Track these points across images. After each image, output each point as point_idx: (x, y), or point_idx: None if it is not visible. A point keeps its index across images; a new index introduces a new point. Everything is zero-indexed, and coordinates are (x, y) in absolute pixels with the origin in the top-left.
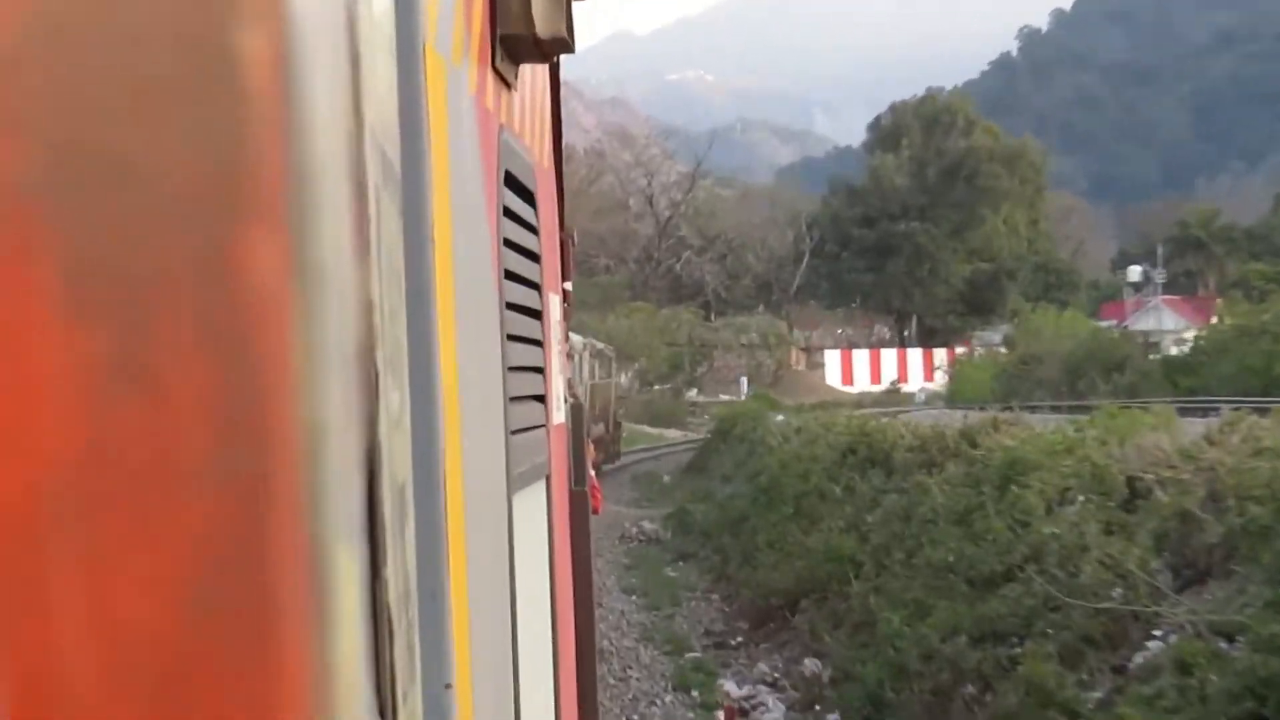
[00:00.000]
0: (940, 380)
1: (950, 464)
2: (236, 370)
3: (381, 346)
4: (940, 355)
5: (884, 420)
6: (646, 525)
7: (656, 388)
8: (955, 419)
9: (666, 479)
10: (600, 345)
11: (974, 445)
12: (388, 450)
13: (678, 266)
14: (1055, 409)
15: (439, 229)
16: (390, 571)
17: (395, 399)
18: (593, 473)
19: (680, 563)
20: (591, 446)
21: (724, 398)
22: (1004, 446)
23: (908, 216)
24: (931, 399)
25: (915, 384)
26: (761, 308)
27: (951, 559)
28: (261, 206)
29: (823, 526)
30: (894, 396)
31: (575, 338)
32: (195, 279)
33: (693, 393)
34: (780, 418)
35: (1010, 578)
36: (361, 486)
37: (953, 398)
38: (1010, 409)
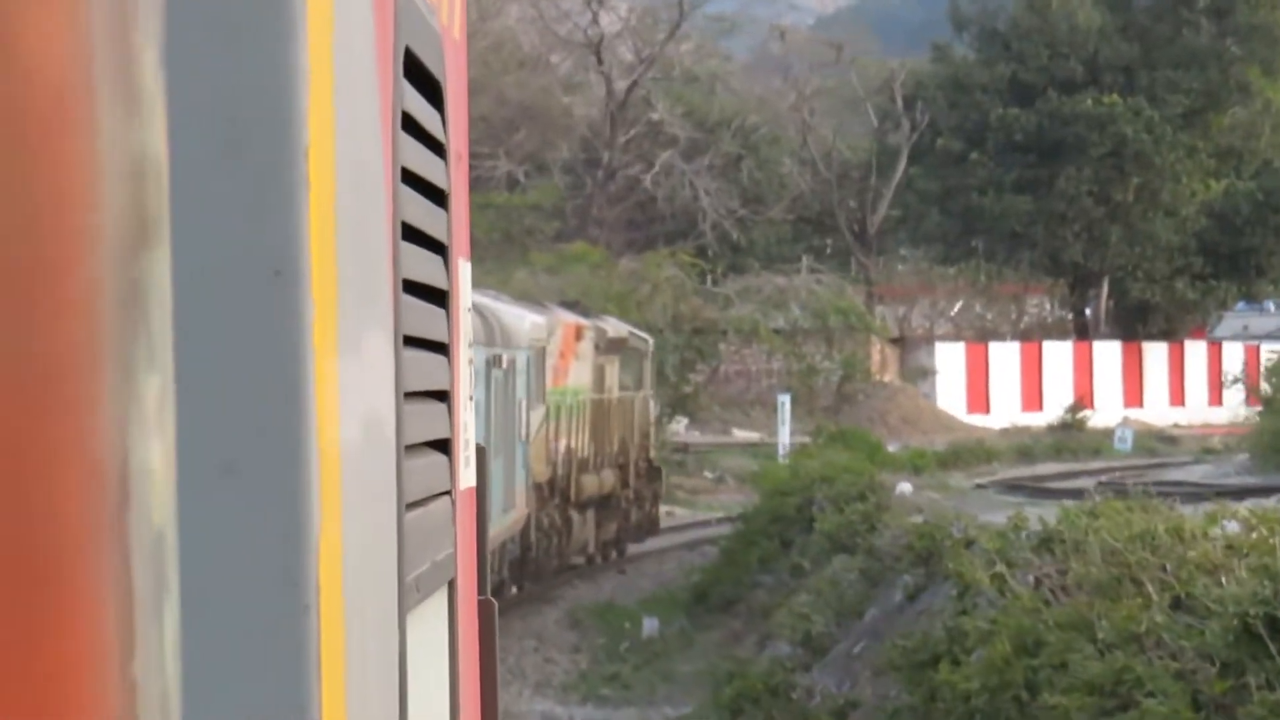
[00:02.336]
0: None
1: None
2: None
3: (129, 284)
4: (1159, 353)
5: None
6: None
7: None
8: None
9: (650, 625)
10: (616, 327)
11: None
12: (139, 467)
13: (647, 180)
14: None
15: (316, 156)
16: (141, 674)
17: (153, 387)
18: None
19: None
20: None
21: (742, 435)
22: None
23: (1099, 85)
24: (1146, 441)
25: (1110, 410)
26: (805, 262)
27: None
28: None
29: None
30: (1074, 436)
31: (525, 317)
32: None
33: (679, 424)
34: (906, 487)
35: None
36: (105, 525)
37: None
38: None
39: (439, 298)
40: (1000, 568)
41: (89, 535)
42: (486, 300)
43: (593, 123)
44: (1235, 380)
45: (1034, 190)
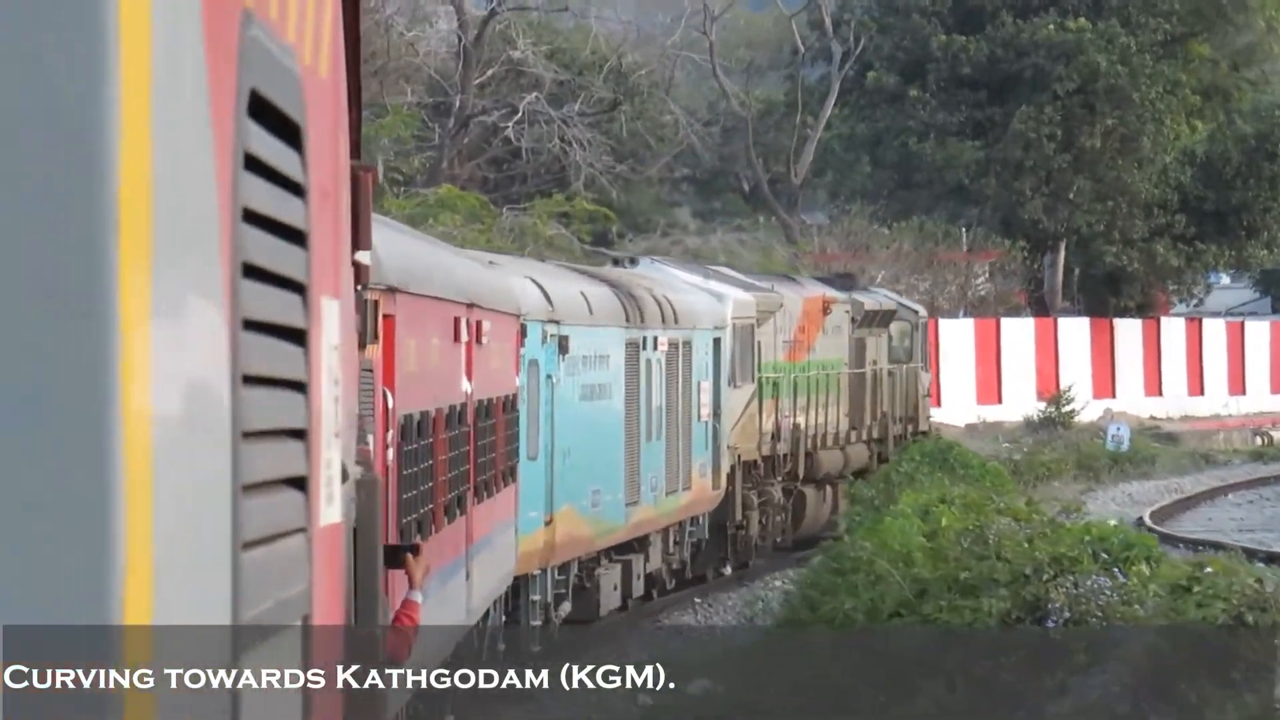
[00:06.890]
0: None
1: None
2: None
3: None
4: (1132, 331)
5: None
6: None
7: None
8: None
9: None
10: (881, 300)
11: None
12: None
13: (508, 129)
14: None
15: (129, 191)
16: None
17: None
18: (413, 593)
19: None
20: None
21: None
22: None
23: (1061, 7)
24: (1141, 442)
25: (1082, 399)
26: (693, 224)
27: None
28: None
29: None
30: (1059, 435)
31: (726, 296)
32: None
33: None
34: None
35: None
36: None
37: None
38: None
39: (293, 337)
40: None
41: None
42: (649, 276)
43: (441, 63)
44: None
45: (984, 135)
